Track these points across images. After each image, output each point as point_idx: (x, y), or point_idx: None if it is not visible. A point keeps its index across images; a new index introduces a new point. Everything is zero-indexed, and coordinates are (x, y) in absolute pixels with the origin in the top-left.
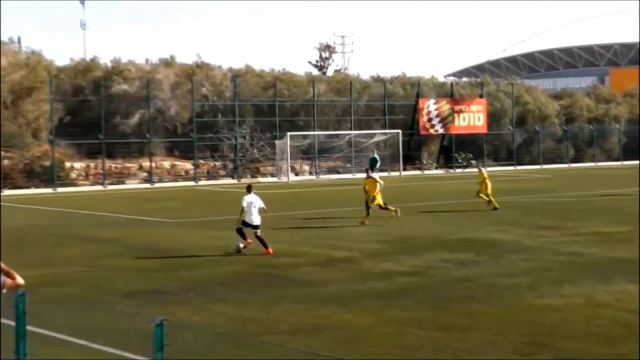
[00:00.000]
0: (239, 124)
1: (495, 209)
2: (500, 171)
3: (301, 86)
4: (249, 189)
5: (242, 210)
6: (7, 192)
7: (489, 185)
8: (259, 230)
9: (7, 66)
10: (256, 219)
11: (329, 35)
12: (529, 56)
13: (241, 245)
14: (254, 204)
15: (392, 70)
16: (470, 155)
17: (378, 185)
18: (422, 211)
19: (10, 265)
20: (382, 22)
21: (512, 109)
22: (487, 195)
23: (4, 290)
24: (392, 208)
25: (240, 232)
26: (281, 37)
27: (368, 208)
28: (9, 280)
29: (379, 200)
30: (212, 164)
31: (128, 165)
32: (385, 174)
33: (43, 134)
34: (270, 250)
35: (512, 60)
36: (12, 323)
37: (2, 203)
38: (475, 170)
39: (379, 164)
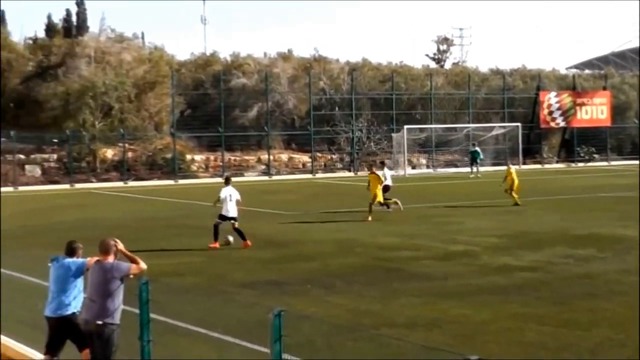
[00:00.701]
0: (355, 117)
1: (516, 204)
2: (625, 166)
3: (418, 79)
4: (227, 181)
5: (218, 199)
6: (131, 183)
7: (515, 182)
8: (236, 223)
9: (131, 61)
10: (232, 211)
11: (447, 28)
12: None
13: (230, 238)
14: (231, 196)
15: (512, 62)
16: (593, 149)
17: (386, 180)
18: (543, 206)
19: (135, 254)
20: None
21: (638, 102)
22: (509, 190)
23: (131, 276)
24: (392, 200)
25: (216, 228)
26: (399, 30)
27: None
28: (133, 266)
29: (380, 197)
30: (329, 156)
31: (246, 157)
32: (504, 167)
33: (165, 127)
34: (249, 243)
35: (638, 51)
36: (136, 310)
37: (126, 194)
38: (599, 164)
39: (481, 156)
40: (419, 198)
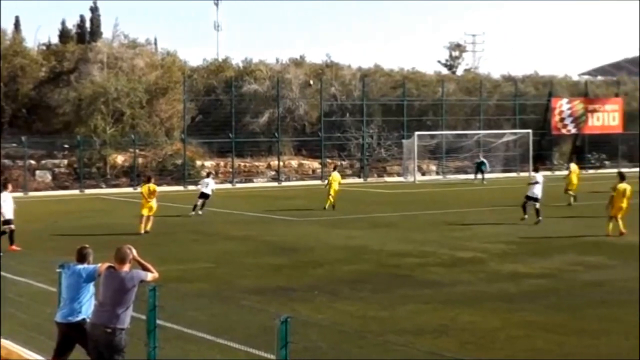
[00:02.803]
0: (366, 124)
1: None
2: (636, 172)
3: (430, 85)
4: (208, 174)
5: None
6: (140, 189)
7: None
8: (207, 200)
9: (143, 67)
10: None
11: (459, 34)
12: None
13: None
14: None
15: (524, 69)
16: (604, 156)
17: (336, 184)
18: (553, 212)
19: (146, 261)
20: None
21: (639, 107)
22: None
23: (149, 281)
24: (331, 200)
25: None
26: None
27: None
28: (150, 274)
29: (331, 199)
30: (339, 163)
31: (257, 163)
32: (513, 174)
33: (176, 133)
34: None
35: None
36: (143, 317)
37: (136, 200)
38: (609, 170)
39: (487, 168)
40: (428, 204)
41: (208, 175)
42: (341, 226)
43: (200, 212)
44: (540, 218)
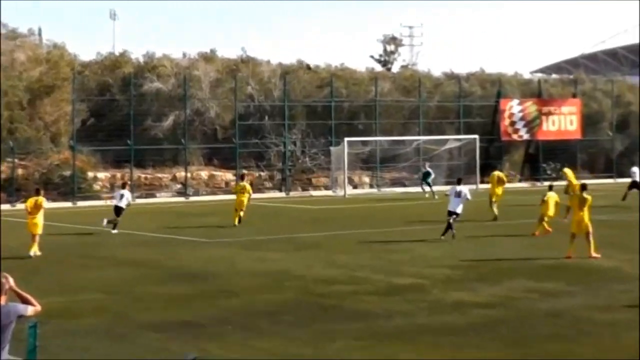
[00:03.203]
0: (288, 128)
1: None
2: (598, 184)
3: (362, 84)
4: (124, 185)
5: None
6: (20, 205)
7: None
8: (123, 212)
9: (25, 61)
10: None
11: (394, 26)
12: (632, 49)
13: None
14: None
15: (469, 66)
16: (560, 166)
17: (247, 196)
18: (504, 231)
19: (25, 291)
20: (456, 11)
21: (612, 111)
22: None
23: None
24: (240, 214)
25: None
26: (339, 29)
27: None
28: (30, 307)
29: (239, 214)
30: (257, 174)
31: (160, 175)
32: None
33: (63, 139)
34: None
35: (612, 53)
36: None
37: (12, 219)
38: (563, 183)
39: (432, 177)
40: (360, 222)
41: (124, 185)
42: (258, 248)
43: (114, 231)
44: (451, 234)
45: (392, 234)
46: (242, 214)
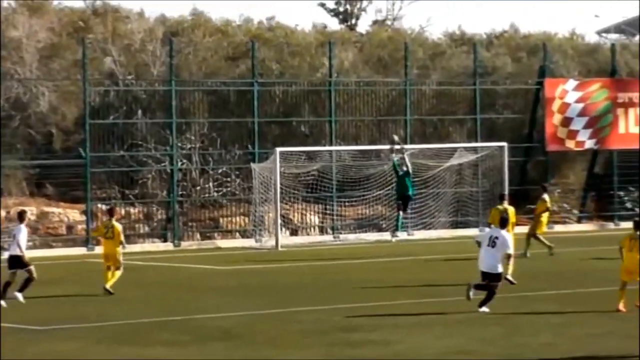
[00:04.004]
0: (178, 131)
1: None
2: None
3: (306, 53)
4: (20, 216)
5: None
6: None
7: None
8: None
9: None
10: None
11: None
12: None
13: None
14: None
15: (491, 22)
16: None
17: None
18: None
19: None
20: None
21: None
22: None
23: None
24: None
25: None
26: None
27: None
28: None
29: (112, 272)
30: (123, 210)
31: None
32: (468, 230)
33: None
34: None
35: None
36: None
37: None
38: None
39: (411, 192)
40: (306, 296)
41: (20, 217)
42: (132, 340)
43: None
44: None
45: (360, 316)
46: (117, 273)
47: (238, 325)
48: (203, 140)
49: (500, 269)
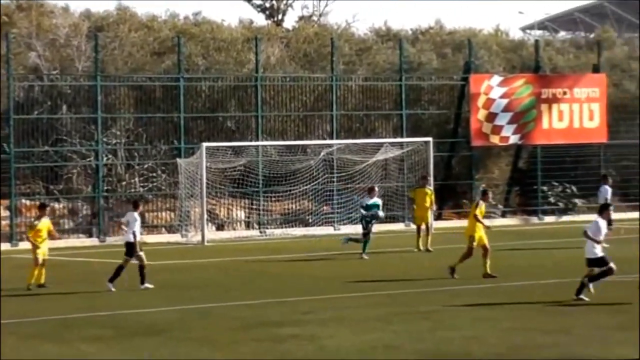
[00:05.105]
0: (102, 126)
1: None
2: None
3: (232, 49)
4: (135, 204)
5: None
6: None
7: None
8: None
9: None
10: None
11: None
12: None
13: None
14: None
15: (417, 19)
16: (573, 189)
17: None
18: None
19: None
20: None
21: None
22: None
23: None
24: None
25: None
26: None
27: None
28: None
29: (39, 270)
30: (49, 206)
31: None
32: (394, 225)
33: None
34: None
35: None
36: None
37: None
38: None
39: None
40: (232, 292)
41: (135, 205)
42: (62, 336)
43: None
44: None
45: (287, 311)
46: (44, 272)
47: (164, 321)
48: (129, 135)
49: (600, 253)
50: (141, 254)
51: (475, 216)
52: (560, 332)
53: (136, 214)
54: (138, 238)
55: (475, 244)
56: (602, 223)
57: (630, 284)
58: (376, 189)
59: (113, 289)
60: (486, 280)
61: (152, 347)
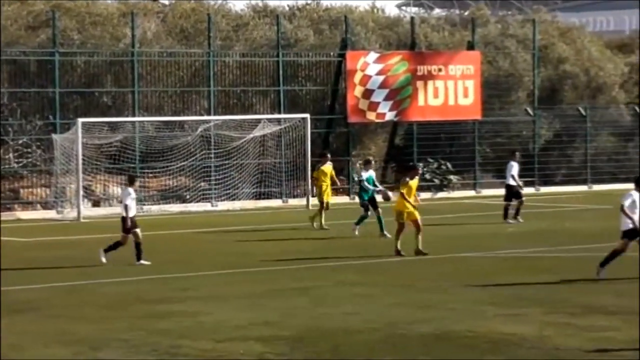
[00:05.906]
0: None
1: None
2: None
3: (108, 23)
4: (131, 179)
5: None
6: None
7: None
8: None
9: None
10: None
11: None
12: None
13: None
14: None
15: None
16: (448, 165)
17: None
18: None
19: None
20: None
21: (534, 72)
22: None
23: None
24: None
25: None
26: None
27: None
28: None
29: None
30: None
31: None
32: (272, 202)
33: None
34: None
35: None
36: None
37: None
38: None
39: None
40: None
41: (131, 181)
42: None
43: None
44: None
45: (164, 288)
46: None
47: (39, 298)
48: (3, 110)
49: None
50: (137, 230)
51: (402, 194)
52: (437, 308)
53: (130, 189)
54: (132, 213)
55: (404, 218)
56: (636, 195)
57: (498, 259)
58: (372, 161)
59: (104, 260)
60: (364, 256)
61: (26, 325)
